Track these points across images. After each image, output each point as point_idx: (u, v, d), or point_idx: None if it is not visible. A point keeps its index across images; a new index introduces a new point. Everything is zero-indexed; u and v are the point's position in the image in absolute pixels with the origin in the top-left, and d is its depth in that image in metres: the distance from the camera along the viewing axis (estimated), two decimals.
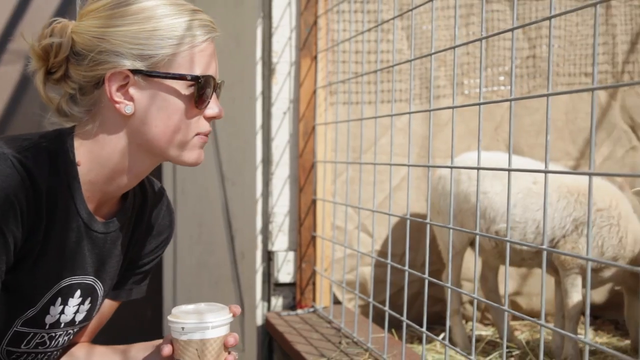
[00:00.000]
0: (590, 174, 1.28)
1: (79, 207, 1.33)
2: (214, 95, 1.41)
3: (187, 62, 1.34)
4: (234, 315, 1.40)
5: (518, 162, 2.79)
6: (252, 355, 2.96)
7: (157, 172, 3.88)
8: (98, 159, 1.34)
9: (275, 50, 2.87)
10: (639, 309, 2.65)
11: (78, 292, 1.40)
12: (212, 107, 1.40)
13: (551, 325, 3.09)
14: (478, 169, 1.67)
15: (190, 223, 3.64)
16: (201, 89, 1.35)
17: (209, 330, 1.32)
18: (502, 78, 3.16)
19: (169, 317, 1.35)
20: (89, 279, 1.41)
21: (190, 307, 1.40)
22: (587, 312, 1.30)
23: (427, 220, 1.95)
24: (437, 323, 3.08)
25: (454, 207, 2.76)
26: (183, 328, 1.32)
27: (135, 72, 1.31)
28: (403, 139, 2.98)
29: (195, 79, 1.35)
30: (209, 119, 1.41)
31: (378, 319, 2.79)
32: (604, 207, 2.55)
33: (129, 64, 1.30)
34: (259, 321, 2.92)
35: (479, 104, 1.67)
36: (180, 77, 1.33)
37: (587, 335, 1.30)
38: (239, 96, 3.13)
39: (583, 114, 3.22)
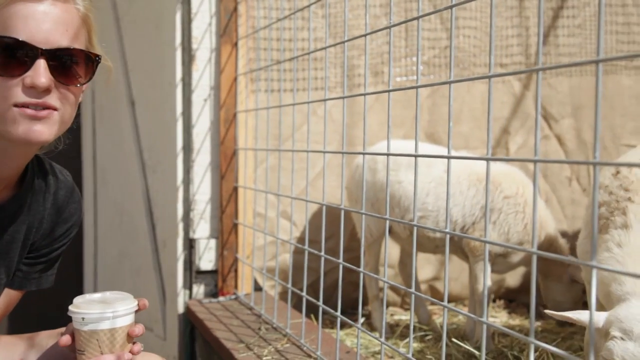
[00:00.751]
0: (487, 159, 1.32)
1: None
2: (39, 63, 1.24)
3: None
4: (141, 308, 1.37)
5: (431, 149, 2.86)
6: (174, 344, 2.94)
7: (77, 159, 3.78)
8: None
9: (195, 36, 2.84)
10: (551, 288, 2.77)
11: None
12: (30, 75, 1.24)
13: (461, 309, 3.18)
14: (388, 154, 1.70)
15: (111, 212, 3.57)
16: (5, 53, 1.21)
17: (110, 321, 1.29)
18: (421, 67, 3.22)
19: (70, 307, 1.31)
20: None
21: (96, 296, 1.37)
22: (485, 293, 1.35)
23: (341, 206, 1.97)
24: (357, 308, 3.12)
25: (370, 196, 2.80)
26: (83, 318, 1.28)
27: None
28: (323, 127, 3.00)
29: None
30: (29, 88, 1.24)
31: (300, 305, 2.81)
32: (511, 195, 2.64)
33: None
34: (181, 309, 2.90)
35: (389, 91, 1.69)
36: None
37: (486, 317, 1.35)
38: (159, 83, 3.08)
39: (498, 103, 3.31)
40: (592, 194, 1.12)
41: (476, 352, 2.39)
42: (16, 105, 1.24)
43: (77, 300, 1.34)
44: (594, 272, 1.06)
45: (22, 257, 1.46)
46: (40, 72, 1.24)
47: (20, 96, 1.23)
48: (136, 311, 1.36)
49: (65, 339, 1.32)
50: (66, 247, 1.54)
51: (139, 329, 1.34)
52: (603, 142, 3.32)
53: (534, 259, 1.20)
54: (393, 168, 2.74)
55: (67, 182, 1.52)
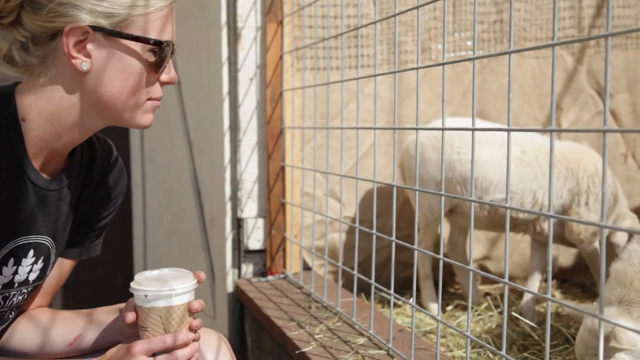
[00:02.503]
0: (551, 130, 1.28)
1: (25, 165, 1.30)
2: (171, 61, 1.38)
3: (150, 25, 1.30)
4: (199, 282, 1.38)
5: (486, 126, 2.78)
6: (224, 323, 2.96)
7: (125, 141, 3.81)
8: (46, 115, 1.30)
9: (240, 14, 2.82)
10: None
11: (31, 252, 1.37)
12: (168, 72, 1.37)
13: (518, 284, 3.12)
14: (443, 129, 1.66)
15: (159, 191, 3.60)
16: (162, 54, 1.32)
17: (173, 298, 1.30)
18: (469, 43, 3.15)
19: (132, 284, 1.32)
20: (42, 238, 1.38)
21: (155, 273, 1.38)
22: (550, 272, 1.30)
23: (394, 183, 1.94)
24: (408, 288, 3.10)
25: (435, 176, 2.73)
26: (146, 296, 1.30)
27: (95, 28, 1.27)
28: (371, 105, 2.96)
29: (158, 43, 1.31)
30: (163, 84, 1.38)
31: (349, 285, 2.80)
32: (593, 172, 2.56)
33: (90, 19, 1.26)
34: (230, 288, 2.91)
35: (443, 64, 1.65)
36: (144, 40, 1.29)
37: (550, 294, 1.30)
38: (205, 62, 3.08)
39: (550, 79, 3.22)
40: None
41: (536, 328, 2.34)
42: (151, 99, 1.35)
43: (138, 277, 1.35)
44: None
45: (73, 226, 1.47)
46: (173, 69, 1.37)
47: (158, 91, 1.36)
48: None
49: (131, 316, 1.34)
50: (114, 215, 1.56)
51: (198, 305, 1.35)
52: None
53: (603, 232, 1.15)
54: (461, 146, 2.68)
55: (111, 151, 1.53)
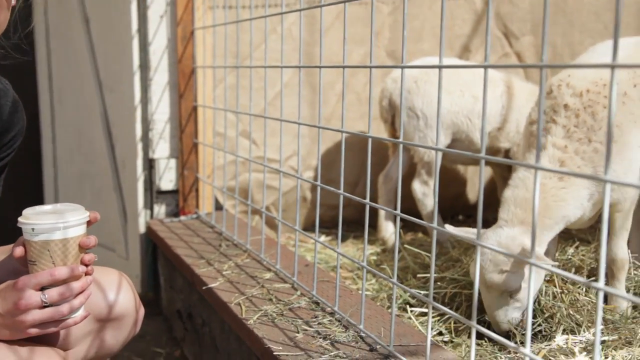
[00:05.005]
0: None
1: None
2: None
3: None
4: (93, 220, 1.36)
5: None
6: (136, 263, 2.97)
7: (32, 80, 3.69)
8: None
9: None
10: None
11: None
12: None
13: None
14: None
15: (69, 133, 3.53)
16: None
17: (61, 231, 1.28)
18: None
19: (20, 219, 1.30)
20: None
21: (47, 207, 1.36)
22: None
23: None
24: (322, 227, 3.18)
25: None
26: (34, 229, 1.27)
27: None
28: (285, 44, 2.96)
29: None
30: None
31: (274, 224, 2.86)
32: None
33: None
34: (142, 229, 2.92)
35: (345, 1, 1.68)
36: None
37: (436, 223, 1.39)
38: None
39: (460, 21, 3.30)
40: (538, 100, 1.14)
41: (429, 257, 2.47)
42: None
43: (27, 211, 1.33)
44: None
45: None
46: None
47: None
48: (88, 223, 1.35)
49: (19, 251, 1.31)
50: (11, 157, 1.52)
51: (91, 240, 1.33)
52: (562, 59, 3.34)
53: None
54: (461, 82, 2.80)
55: (7, 91, 1.48)
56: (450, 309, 2.14)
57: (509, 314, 1.92)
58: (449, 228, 2.05)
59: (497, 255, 1.88)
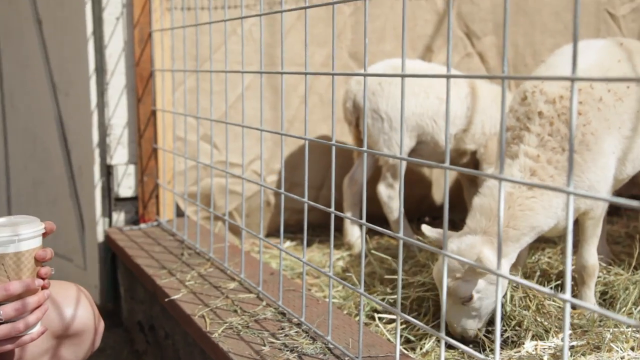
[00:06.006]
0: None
1: None
2: None
3: None
4: (49, 232, 1.33)
5: (426, 68, 2.97)
6: (94, 274, 2.91)
7: None
8: None
9: None
10: None
11: None
12: None
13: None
14: (306, 73, 1.68)
15: (23, 138, 3.44)
16: None
17: (15, 244, 1.24)
18: None
19: None
20: None
21: (1, 220, 1.32)
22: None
23: (261, 127, 1.96)
24: (287, 231, 3.16)
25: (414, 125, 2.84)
26: None
27: None
28: (245, 47, 2.93)
29: None
30: None
31: (236, 230, 2.83)
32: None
33: None
34: (100, 238, 2.86)
35: (306, 8, 1.66)
36: None
37: (402, 232, 1.38)
38: (67, 0, 2.93)
39: (422, 21, 3.31)
40: (500, 108, 1.14)
41: (395, 262, 2.47)
42: None
43: None
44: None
45: None
46: None
47: None
48: (44, 234, 1.32)
49: None
50: None
51: (47, 253, 1.30)
52: (524, 59, 3.38)
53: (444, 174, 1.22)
54: (424, 85, 2.82)
55: None
56: (418, 313, 2.14)
57: (462, 321, 1.94)
58: (425, 229, 2.06)
59: (452, 262, 1.88)
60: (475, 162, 2.97)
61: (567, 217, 1.02)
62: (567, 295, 1.01)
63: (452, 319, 1.95)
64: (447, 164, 1.24)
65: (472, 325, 1.94)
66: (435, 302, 2.14)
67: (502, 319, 1.96)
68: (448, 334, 1.93)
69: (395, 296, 2.23)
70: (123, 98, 2.85)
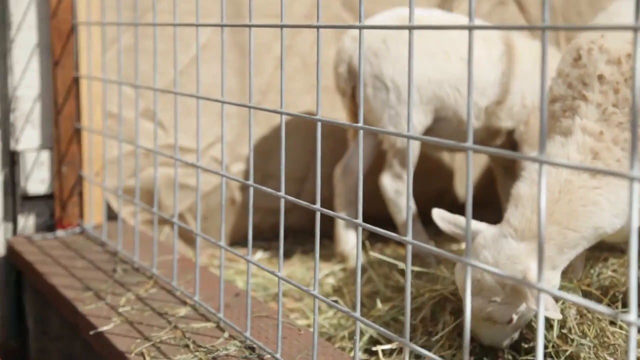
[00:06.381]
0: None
1: None
2: None
3: None
4: None
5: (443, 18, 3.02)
6: None
7: None
8: None
9: None
10: None
11: None
12: None
13: None
14: (282, 26, 1.68)
15: None
16: None
17: None
18: None
19: None
20: None
21: None
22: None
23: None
24: (258, 239, 3.17)
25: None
26: None
27: None
28: None
29: None
30: None
31: (172, 238, 2.84)
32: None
33: None
34: (1, 250, 2.87)
35: None
36: None
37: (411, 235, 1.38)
38: None
39: None
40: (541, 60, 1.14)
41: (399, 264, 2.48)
42: None
43: None
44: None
45: None
46: None
47: None
48: None
49: None
50: None
51: None
52: (577, 6, 3.39)
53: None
54: (447, 43, 2.86)
55: None
56: (435, 333, 2.15)
57: (493, 337, 2.01)
58: (436, 215, 2.07)
59: (486, 276, 1.88)
60: (512, 144, 2.97)
61: (630, 213, 1.02)
62: (632, 316, 1.00)
63: (481, 334, 2.01)
64: (469, 143, 1.24)
65: (505, 339, 2.01)
66: (455, 309, 2.16)
67: (546, 349, 1.98)
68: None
69: (400, 315, 2.24)
70: (34, 61, 2.87)
